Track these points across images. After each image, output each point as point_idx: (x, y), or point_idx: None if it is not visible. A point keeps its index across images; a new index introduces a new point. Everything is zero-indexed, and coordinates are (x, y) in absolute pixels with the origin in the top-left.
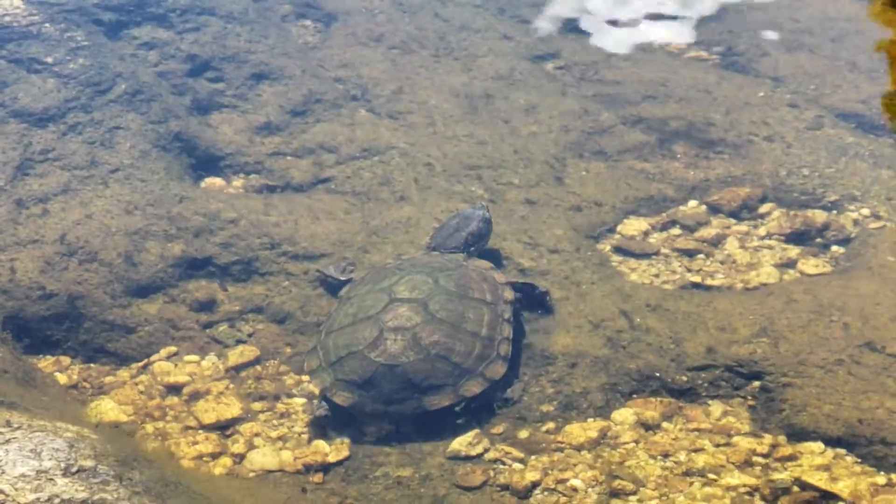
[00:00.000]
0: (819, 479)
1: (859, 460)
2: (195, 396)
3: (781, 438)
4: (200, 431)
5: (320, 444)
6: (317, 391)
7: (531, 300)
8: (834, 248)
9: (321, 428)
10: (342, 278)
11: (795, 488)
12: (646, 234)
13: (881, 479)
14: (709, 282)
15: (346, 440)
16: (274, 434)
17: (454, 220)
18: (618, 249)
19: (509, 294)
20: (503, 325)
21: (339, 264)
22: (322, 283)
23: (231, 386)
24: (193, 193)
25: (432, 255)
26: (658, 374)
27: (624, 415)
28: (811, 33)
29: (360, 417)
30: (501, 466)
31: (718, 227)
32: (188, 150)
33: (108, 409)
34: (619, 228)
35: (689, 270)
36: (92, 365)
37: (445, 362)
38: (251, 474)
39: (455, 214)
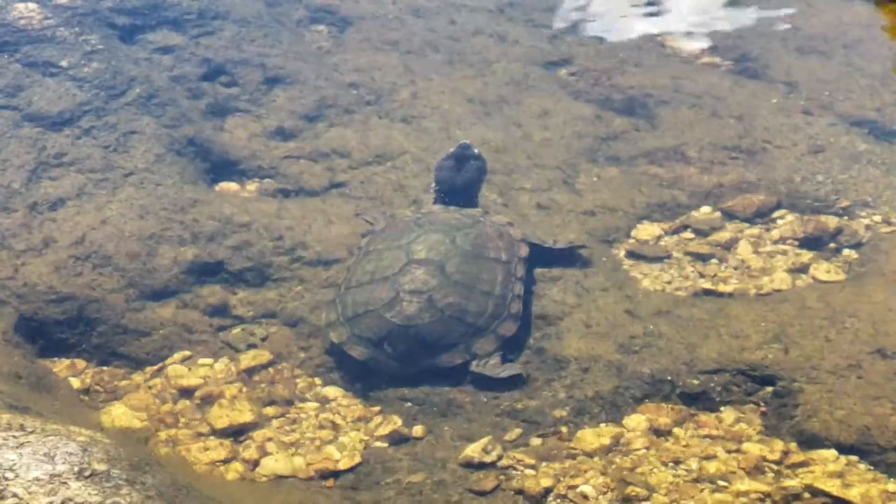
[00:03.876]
0: (831, 486)
1: (871, 467)
2: (208, 401)
3: (793, 445)
4: (212, 437)
5: (332, 450)
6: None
7: (555, 256)
8: (846, 253)
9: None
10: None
11: (807, 495)
12: (659, 239)
13: (893, 485)
14: (721, 287)
15: (359, 447)
16: (286, 439)
17: (447, 162)
18: (631, 254)
19: (524, 250)
20: (515, 283)
21: (371, 213)
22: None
23: (244, 390)
24: (207, 197)
25: (450, 211)
26: (670, 380)
27: (636, 420)
28: (825, 39)
29: (374, 372)
30: (514, 472)
31: (732, 233)
32: (202, 155)
33: (120, 413)
34: (632, 234)
35: (702, 276)
36: (105, 368)
37: (458, 322)
38: (264, 479)
39: (445, 157)
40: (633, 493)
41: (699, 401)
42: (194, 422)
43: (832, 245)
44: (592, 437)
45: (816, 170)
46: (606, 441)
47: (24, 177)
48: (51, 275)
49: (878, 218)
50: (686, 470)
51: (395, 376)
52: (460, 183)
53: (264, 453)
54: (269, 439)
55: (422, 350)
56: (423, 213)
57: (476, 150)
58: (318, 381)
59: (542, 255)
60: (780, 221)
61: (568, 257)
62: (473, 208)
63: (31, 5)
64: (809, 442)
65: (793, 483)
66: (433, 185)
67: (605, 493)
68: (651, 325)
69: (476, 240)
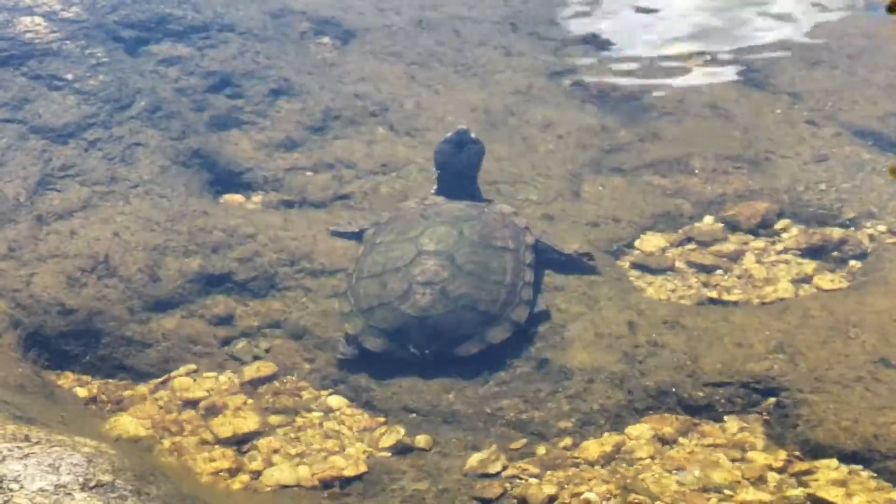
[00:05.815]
0: (835, 496)
1: (875, 475)
2: (212, 411)
3: (797, 454)
4: (217, 447)
5: (336, 459)
6: (350, 332)
7: (562, 264)
8: (851, 263)
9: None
10: (356, 230)
11: None
12: (663, 249)
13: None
14: (725, 297)
15: (364, 455)
16: (291, 450)
17: (446, 146)
18: (635, 265)
19: (530, 238)
20: (525, 270)
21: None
22: (336, 234)
23: (249, 401)
24: (212, 209)
25: (453, 203)
26: (674, 390)
27: (640, 430)
28: (829, 49)
29: (389, 361)
30: (519, 481)
31: (735, 243)
32: (207, 166)
33: (126, 423)
34: (636, 244)
35: (706, 286)
36: (110, 380)
37: (472, 312)
38: (267, 489)
39: (443, 142)
40: (637, 501)
41: (703, 411)
42: (199, 429)
43: (836, 254)
44: (596, 445)
45: (820, 179)
46: (609, 449)
47: (30, 189)
48: (56, 286)
49: (882, 228)
50: (690, 478)
51: (410, 364)
52: (460, 165)
53: (269, 463)
54: (275, 450)
55: (438, 340)
56: (427, 205)
57: (473, 135)
58: (322, 391)
59: (547, 261)
60: (784, 234)
61: (573, 266)
62: (476, 198)
63: (37, 19)
64: (813, 451)
65: (796, 493)
66: (437, 175)
67: (608, 501)
68: (655, 334)
69: (483, 230)
